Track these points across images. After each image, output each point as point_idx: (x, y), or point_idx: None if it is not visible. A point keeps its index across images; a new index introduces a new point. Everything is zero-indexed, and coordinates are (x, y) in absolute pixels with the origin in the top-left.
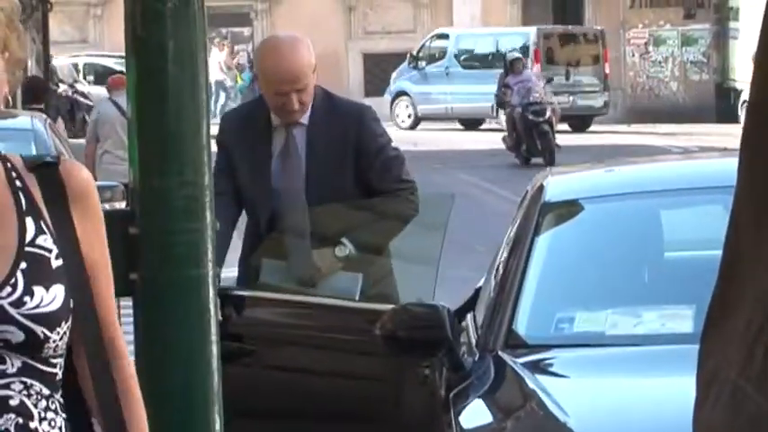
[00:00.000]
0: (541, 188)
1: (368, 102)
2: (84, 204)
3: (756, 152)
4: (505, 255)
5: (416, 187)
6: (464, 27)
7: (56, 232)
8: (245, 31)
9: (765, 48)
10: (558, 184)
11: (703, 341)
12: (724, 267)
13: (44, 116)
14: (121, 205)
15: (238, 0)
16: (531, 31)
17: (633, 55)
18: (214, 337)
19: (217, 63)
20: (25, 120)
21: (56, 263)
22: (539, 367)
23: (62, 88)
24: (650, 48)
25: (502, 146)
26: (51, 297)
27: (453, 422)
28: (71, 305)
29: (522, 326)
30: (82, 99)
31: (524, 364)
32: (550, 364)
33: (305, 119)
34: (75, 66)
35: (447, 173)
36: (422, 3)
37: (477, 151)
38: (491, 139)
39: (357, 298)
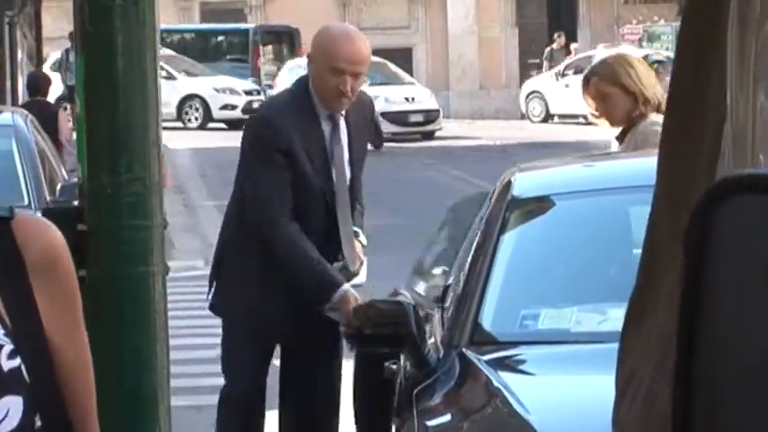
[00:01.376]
0: (509, 184)
1: None
2: (50, 276)
3: (673, 151)
4: (472, 251)
5: None
6: (459, 23)
7: (9, 318)
8: (240, 26)
9: (682, 49)
10: (526, 179)
11: (623, 339)
12: (643, 266)
13: (26, 113)
14: None
15: None
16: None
17: None
18: (162, 334)
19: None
20: (6, 116)
21: (9, 363)
22: (503, 364)
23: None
24: (644, 43)
25: None
26: (2, 414)
27: (416, 419)
28: (36, 423)
29: (486, 322)
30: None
31: (489, 361)
32: (515, 361)
33: (344, 111)
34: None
35: (439, 168)
36: None
37: None
38: None
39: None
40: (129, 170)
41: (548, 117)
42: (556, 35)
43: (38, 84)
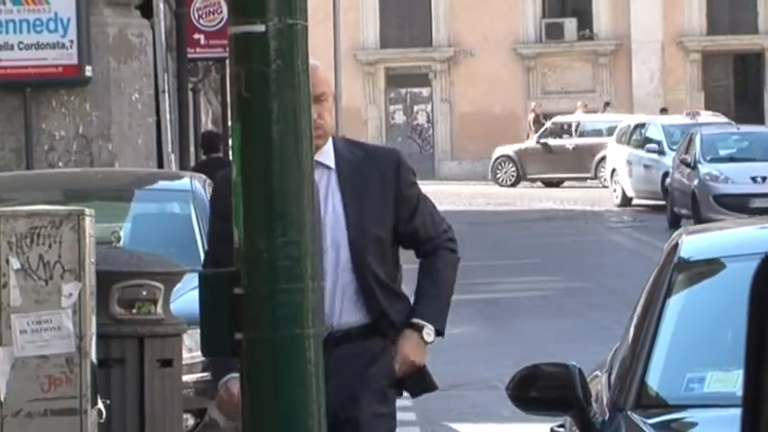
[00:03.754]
0: (676, 246)
1: None
2: None
3: None
4: (639, 313)
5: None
6: (644, 86)
7: None
8: (424, 91)
9: None
10: (693, 241)
11: None
12: None
13: (204, 177)
14: None
15: (418, 61)
16: None
17: None
18: (318, 397)
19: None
20: (185, 181)
21: None
22: (669, 427)
23: None
24: None
25: None
26: None
27: None
28: None
29: (653, 385)
30: None
31: (655, 425)
32: (681, 425)
33: (329, 159)
34: None
35: (624, 232)
36: (601, 62)
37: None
38: None
39: None
40: (285, 234)
41: None
42: None
43: (212, 141)
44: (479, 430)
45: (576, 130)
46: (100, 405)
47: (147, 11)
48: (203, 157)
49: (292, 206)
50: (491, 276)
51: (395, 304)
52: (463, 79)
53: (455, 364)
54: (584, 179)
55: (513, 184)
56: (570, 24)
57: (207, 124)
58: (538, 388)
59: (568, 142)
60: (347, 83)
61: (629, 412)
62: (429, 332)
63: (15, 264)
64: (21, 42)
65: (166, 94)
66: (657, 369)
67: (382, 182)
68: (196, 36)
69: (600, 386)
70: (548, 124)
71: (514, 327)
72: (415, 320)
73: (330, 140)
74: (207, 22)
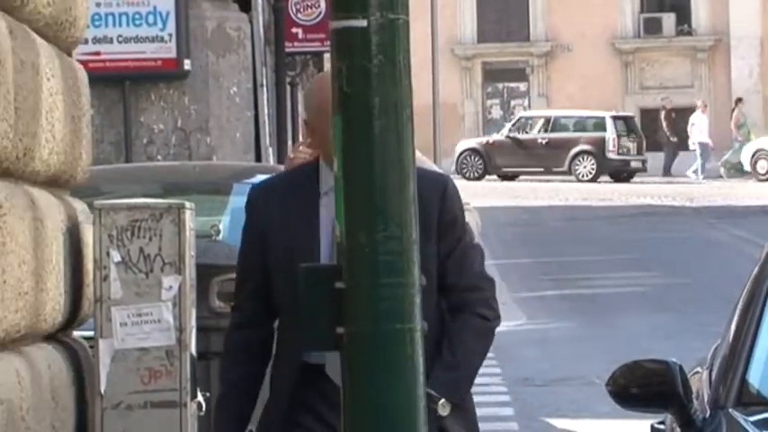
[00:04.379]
0: None
1: (647, 156)
2: None
3: None
4: (740, 310)
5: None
6: (743, 81)
7: None
8: (521, 86)
9: None
10: None
11: None
12: None
13: None
14: None
15: (515, 56)
16: None
17: None
18: (420, 391)
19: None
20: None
21: None
22: None
23: None
24: None
25: None
26: None
27: None
28: None
29: (754, 382)
30: None
31: (756, 422)
32: None
33: None
34: None
35: (722, 228)
36: (699, 58)
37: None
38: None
39: None
40: (386, 229)
41: None
42: None
43: None
44: (577, 426)
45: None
46: (199, 398)
47: (245, 4)
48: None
49: (393, 201)
50: (588, 272)
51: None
52: (560, 74)
53: (552, 360)
54: (557, 173)
55: (479, 178)
56: (668, 19)
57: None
58: (638, 384)
59: (540, 137)
60: (444, 78)
61: (729, 410)
62: (444, 405)
63: (116, 256)
64: (120, 36)
65: (264, 88)
66: (759, 366)
67: (423, 211)
68: (294, 30)
69: (701, 383)
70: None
71: (611, 322)
72: (429, 391)
73: None
74: (305, 16)
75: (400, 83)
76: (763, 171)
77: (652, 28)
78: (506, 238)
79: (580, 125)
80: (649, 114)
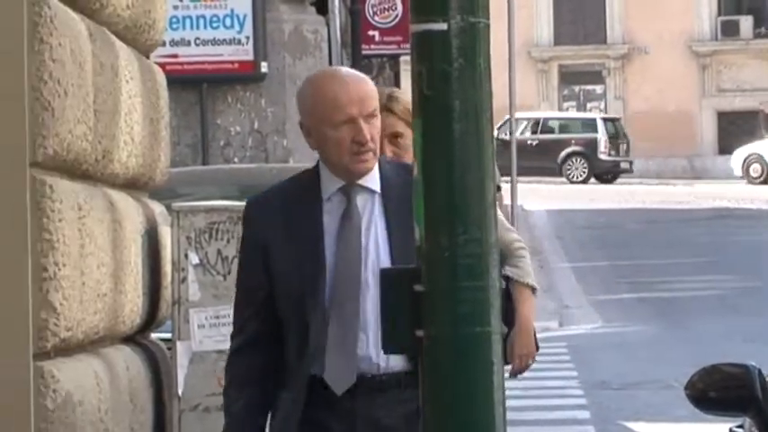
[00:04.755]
0: None
1: (720, 160)
2: None
3: None
4: None
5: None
6: None
7: None
8: (598, 88)
9: None
10: None
11: None
12: None
13: None
14: None
15: (591, 58)
16: None
17: None
18: (499, 395)
19: None
20: None
21: None
22: None
23: None
24: None
25: None
26: None
27: None
28: None
29: None
30: None
31: None
32: None
33: (374, 183)
34: None
35: None
36: None
37: None
38: None
39: None
40: (466, 232)
41: None
42: None
43: None
44: (655, 430)
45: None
46: None
47: (322, 7)
48: None
49: (473, 203)
50: (666, 275)
51: None
52: (637, 77)
53: (629, 363)
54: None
55: None
56: (746, 22)
57: None
58: (716, 388)
59: (530, 138)
60: (520, 80)
61: None
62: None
63: (194, 259)
64: (197, 38)
65: None
66: None
67: None
68: (370, 32)
69: None
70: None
71: (688, 326)
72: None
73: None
74: (381, 19)
75: (480, 86)
76: (756, 174)
77: (729, 30)
78: (584, 240)
79: (569, 127)
80: (727, 117)
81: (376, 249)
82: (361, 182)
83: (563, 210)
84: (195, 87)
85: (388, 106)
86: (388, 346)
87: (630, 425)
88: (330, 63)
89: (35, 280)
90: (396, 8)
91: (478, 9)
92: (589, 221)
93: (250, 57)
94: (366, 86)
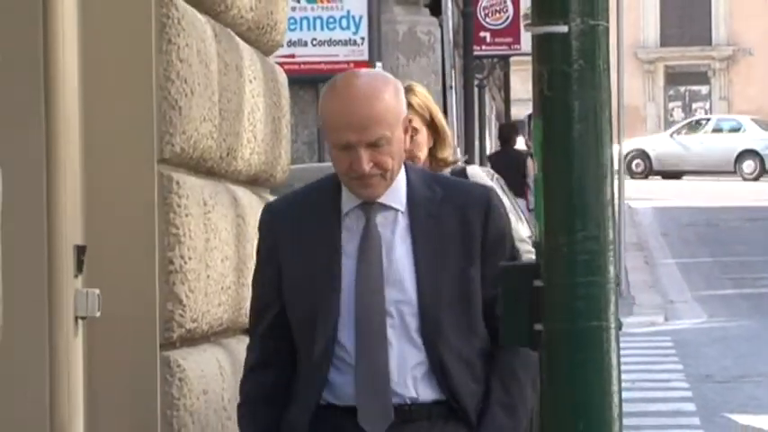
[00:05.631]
0: None
1: None
2: None
3: None
4: None
5: None
6: None
7: None
8: (703, 89)
9: None
10: None
11: None
12: None
13: (492, 172)
14: None
15: (697, 59)
16: None
17: None
18: (615, 387)
19: None
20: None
21: None
22: None
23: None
24: None
25: None
26: None
27: None
28: None
29: None
30: None
31: None
32: None
33: (397, 200)
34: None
35: None
36: None
37: None
38: None
39: None
40: (584, 229)
41: None
42: None
43: (507, 134)
44: (760, 422)
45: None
46: None
47: (436, 9)
48: (498, 149)
49: (592, 202)
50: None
51: (469, 386)
52: (741, 78)
53: (732, 357)
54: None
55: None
56: None
57: (491, 119)
58: None
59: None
60: (627, 81)
61: None
62: None
63: None
64: (314, 39)
65: (453, 90)
66: None
67: (465, 229)
68: (482, 34)
69: None
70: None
71: None
72: None
73: (403, 175)
74: (493, 21)
75: (600, 86)
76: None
77: None
78: (688, 237)
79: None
80: None
81: (400, 274)
82: (380, 200)
83: (668, 207)
84: (312, 87)
85: (405, 98)
86: (509, 338)
87: (735, 417)
88: (443, 63)
89: (162, 273)
90: (507, 10)
91: (598, 12)
92: (690, 220)
93: (365, 57)
94: (373, 111)
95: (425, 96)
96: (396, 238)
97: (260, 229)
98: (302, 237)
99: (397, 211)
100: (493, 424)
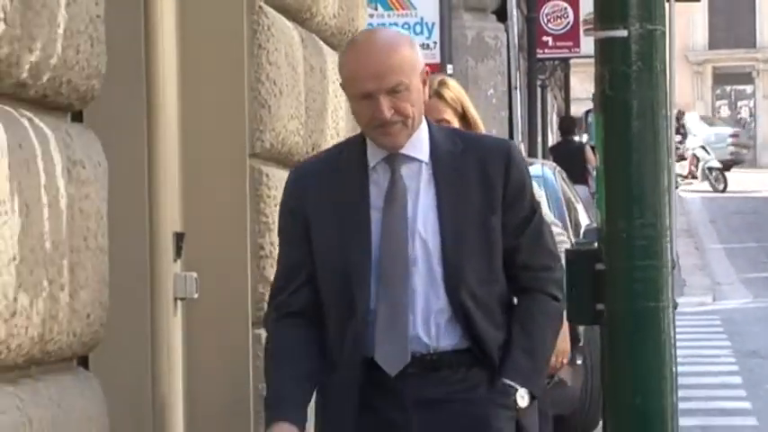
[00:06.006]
0: None
1: None
2: None
3: None
4: None
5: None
6: None
7: None
8: (747, 88)
9: None
10: None
11: None
12: None
13: (555, 165)
14: None
15: (742, 61)
16: None
17: None
18: (670, 362)
19: None
20: (536, 168)
21: None
22: None
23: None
24: None
25: None
26: None
27: None
28: None
29: None
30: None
31: None
32: None
33: (421, 152)
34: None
35: None
36: None
37: None
38: None
39: None
40: (642, 216)
41: None
42: None
43: (568, 125)
44: None
45: None
46: None
47: (502, 15)
48: (560, 139)
49: (649, 191)
50: None
51: (490, 332)
52: None
53: None
54: None
55: None
56: None
57: (552, 117)
58: None
59: None
60: (677, 81)
61: None
62: (523, 396)
63: None
64: None
65: (518, 91)
66: None
67: (486, 180)
68: (545, 38)
69: None
70: None
71: None
72: (507, 382)
73: (425, 128)
74: (554, 26)
75: (656, 86)
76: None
77: None
78: (735, 224)
79: None
80: None
81: (424, 223)
82: (404, 151)
83: (715, 197)
84: None
85: (439, 92)
86: (573, 318)
87: None
88: (508, 66)
89: (253, 257)
90: (568, 16)
91: (655, 17)
92: (736, 208)
93: (437, 60)
94: (390, 60)
95: (458, 90)
96: (420, 189)
97: (286, 188)
98: (331, 192)
99: (421, 162)
100: (513, 366)
